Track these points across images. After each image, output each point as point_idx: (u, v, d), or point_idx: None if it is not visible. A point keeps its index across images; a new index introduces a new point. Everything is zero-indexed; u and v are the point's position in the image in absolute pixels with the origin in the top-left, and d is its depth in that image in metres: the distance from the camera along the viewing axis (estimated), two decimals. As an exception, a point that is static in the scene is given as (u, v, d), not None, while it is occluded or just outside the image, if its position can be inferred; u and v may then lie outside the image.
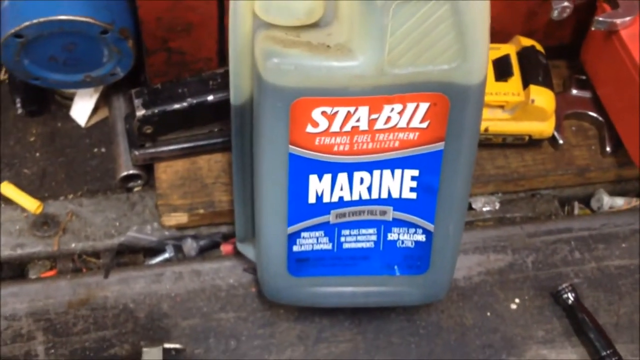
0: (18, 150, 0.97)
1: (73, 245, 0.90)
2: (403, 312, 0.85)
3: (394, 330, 0.84)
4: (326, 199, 0.74)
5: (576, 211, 0.98)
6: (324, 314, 0.84)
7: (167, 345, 0.77)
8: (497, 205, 0.96)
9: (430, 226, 0.76)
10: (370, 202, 0.75)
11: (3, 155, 0.96)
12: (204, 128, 0.92)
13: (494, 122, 0.93)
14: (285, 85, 0.66)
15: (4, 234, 0.90)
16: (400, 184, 0.74)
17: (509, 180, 0.96)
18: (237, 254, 0.89)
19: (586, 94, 1.00)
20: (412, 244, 0.77)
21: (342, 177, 0.73)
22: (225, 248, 0.91)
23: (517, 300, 0.87)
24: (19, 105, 0.98)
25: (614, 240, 0.92)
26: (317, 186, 0.73)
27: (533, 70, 0.92)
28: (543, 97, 0.91)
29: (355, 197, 0.74)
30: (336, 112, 0.68)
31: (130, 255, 0.92)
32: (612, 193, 0.98)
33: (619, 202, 0.98)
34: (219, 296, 0.86)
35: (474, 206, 0.96)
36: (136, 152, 0.91)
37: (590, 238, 0.92)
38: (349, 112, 0.68)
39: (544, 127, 0.93)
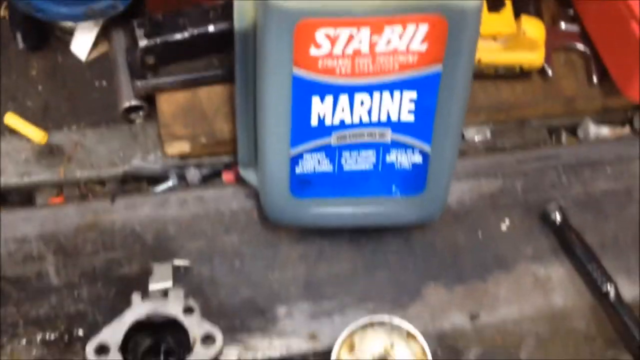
0: (20, 84, 0.98)
1: (78, 173, 0.92)
2: (399, 234, 0.88)
3: (391, 250, 0.88)
4: (328, 122, 0.77)
5: (564, 140, 1.02)
6: (324, 235, 0.87)
7: (176, 262, 0.80)
8: (489, 135, 0.99)
9: (427, 148, 0.79)
10: (370, 124, 0.78)
11: (6, 89, 0.97)
12: (204, 60, 0.94)
13: (487, 53, 0.96)
14: (290, 6, 0.68)
15: (10, 162, 0.92)
16: (399, 106, 0.77)
17: (500, 110, 0.99)
18: (238, 182, 0.91)
19: (574, 28, 1.03)
20: (409, 165, 0.81)
21: (344, 99, 0.76)
22: (227, 176, 0.94)
23: (507, 221, 0.91)
24: (19, 40, 0.99)
25: (599, 165, 0.96)
26: (319, 108, 0.76)
27: (524, 1, 0.94)
28: (534, 28, 0.94)
29: (356, 120, 0.77)
30: (339, 34, 0.70)
31: (134, 183, 0.94)
32: (598, 122, 1.02)
33: (605, 130, 1.02)
34: (223, 220, 0.88)
35: (466, 136, 0.99)
36: (138, 83, 0.93)
37: (577, 164, 0.96)
38: (351, 34, 0.71)
39: (535, 58, 0.97)
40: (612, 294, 0.84)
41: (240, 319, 0.81)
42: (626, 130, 1.03)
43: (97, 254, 0.84)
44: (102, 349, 0.68)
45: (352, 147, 0.79)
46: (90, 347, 0.68)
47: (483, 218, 0.91)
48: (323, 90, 0.74)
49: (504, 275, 0.87)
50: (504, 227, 0.91)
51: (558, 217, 0.89)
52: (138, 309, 0.71)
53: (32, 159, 0.92)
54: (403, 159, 0.80)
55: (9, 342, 0.78)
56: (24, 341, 0.79)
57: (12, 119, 0.94)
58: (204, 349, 0.69)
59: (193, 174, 0.93)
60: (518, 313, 0.84)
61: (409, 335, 0.77)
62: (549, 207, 0.90)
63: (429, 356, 0.76)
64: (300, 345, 0.81)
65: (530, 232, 0.90)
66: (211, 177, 0.95)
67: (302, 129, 0.77)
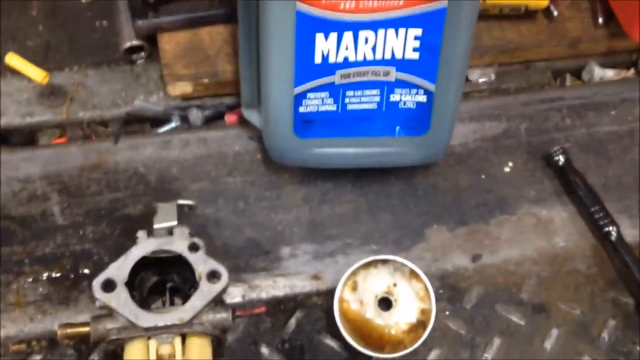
0: (21, 24, 0.97)
1: (81, 114, 0.92)
2: (402, 176, 0.88)
3: (394, 192, 0.88)
4: (332, 59, 0.76)
5: (568, 82, 1.01)
6: (327, 177, 0.87)
7: (180, 201, 0.80)
8: (493, 77, 0.99)
9: (431, 87, 0.79)
10: (374, 62, 0.77)
11: (6, 29, 0.96)
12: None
13: (492, -8, 0.94)
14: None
15: (12, 103, 0.91)
16: (403, 43, 0.76)
17: (504, 51, 0.98)
18: (241, 123, 0.91)
19: (581, -32, 1.01)
20: (413, 105, 0.80)
21: (348, 36, 0.75)
22: (230, 118, 0.93)
23: (510, 164, 0.91)
24: (18, -21, 0.98)
25: (603, 108, 0.95)
26: (323, 46, 0.75)
27: (531, -61, 0.93)
28: (540, -34, 0.93)
29: (360, 58, 0.77)
30: (343, -32, 0.69)
31: (137, 124, 0.94)
32: (603, 65, 1.01)
33: (609, 73, 1.01)
34: (226, 162, 0.88)
35: (470, 78, 0.98)
36: (139, 22, 0.92)
37: (581, 106, 0.95)
38: (355, -32, 0.69)
39: (540, -3, 0.95)
40: (614, 235, 0.84)
41: (244, 259, 0.82)
42: (631, 73, 1.02)
43: (102, 194, 0.85)
44: (108, 285, 0.69)
45: (355, 86, 0.79)
46: (96, 283, 0.69)
47: (486, 160, 0.91)
48: (327, 26, 0.74)
49: (507, 217, 0.87)
50: (507, 169, 0.91)
51: (561, 159, 0.89)
52: (144, 246, 0.71)
53: (33, 100, 0.92)
54: (407, 98, 0.80)
55: (14, 281, 0.79)
56: (30, 279, 0.79)
57: (13, 59, 0.93)
58: (209, 285, 0.69)
59: (195, 115, 0.93)
60: (520, 254, 0.85)
61: (412, 274, 0.78)
62: (552, 150, 0.90)
63: (432, 294, 0.76)
64: (304, 284, 0.81)
65: (533, 174, 0.90)
66: (214, 119, 0.95)
67: (306, 67, 0.76)
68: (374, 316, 0.78)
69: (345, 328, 0.75)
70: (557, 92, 0.97)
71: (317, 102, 0.79)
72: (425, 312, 0.77)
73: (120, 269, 0.70)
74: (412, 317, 0.77)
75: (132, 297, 0.70)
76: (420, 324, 0.77)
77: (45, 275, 0.80)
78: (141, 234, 0.73)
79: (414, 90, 0.79)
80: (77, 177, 0.86)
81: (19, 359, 0.76)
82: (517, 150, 0.92)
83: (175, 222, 0.76)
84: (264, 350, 0.78)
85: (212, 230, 0.83)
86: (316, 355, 0.78)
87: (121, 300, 0.68)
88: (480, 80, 0.98)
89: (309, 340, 0.79)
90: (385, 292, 0.78)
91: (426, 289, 0.77)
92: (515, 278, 0.83)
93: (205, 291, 0.69)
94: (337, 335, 0.76)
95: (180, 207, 0.80)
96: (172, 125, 0.93)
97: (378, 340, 0.77)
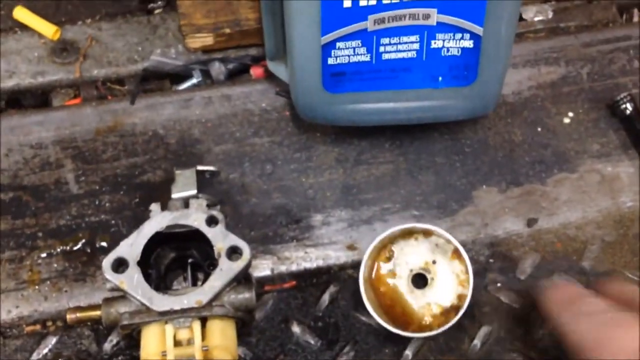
0: (29, -25, 0.90)
1: (95, 71, 0.85)
2: (447, 131, 0.81)
3: (438, 150, 0.80)
4: (363, 2, 0.67)
5: (635, 18, 0.91)
6: (362, 135, 0.80)
7: (200, 167, 0.74)
8: (550, 14, 0.89)
9: (479, 30, 0.69)
10: (412, 4, 0.68)
11: (13, -19, 0.90)
12: (225, -61, 0.84)
13: None
14: None
15: (23, 61, 0.85)
16: (445, -20, 0.66)
17: (563, -15, 0.87)
18: (268, 77, 0.84)
19: None
20: (458, 51, 0.71)
21: (381, -24, 0.65)
22: (255, 71, 0.86)
23: (570, 114, 0.82)
24: None
25: (678, 47, 0.84)
26: (353, -13, 0.66)
27: None
28: None
29: None
30: None
31: (156, 81, 0.87)
32: (678, -3, 0.89)
33: (685, 7, 0.89)
34: (252, 121, 0.81)
35: (524, 16, 0.89)
36: (154, -32, 0.84)
37: (652, 46, 0.85)
38: None
39: None
40: (689, 193, 0.74)
41: (272, 229, 0.76)
42: None
43: (118, 159, 0.79)
44: (119, 264, 0.63)
45: (391, 32, 0.70)
46: (107, 262, 0.63)
47: (542, 111, 0.82)
48: (356, -35, 0.64)
49: (566, 176, 0.79)
50: (566, 120, 0.82)
51: (629, 108, 0.79)
52: (157, 220, 0.65)
53: (45, 57, 0.86)
54: (451, 44, 0.70)
55: (28, 256, 0.74)
56: (43, 254, 0.74)
57: (21, 13, 0.86)
58: (229, 263, 0.63)
59: (218, 69, 0.86)
60: (581, 217, 0.77)
61: (455, 254, 0.70)
62: (618, 97, 0.80)
63: (471, 278, 0.68)
64: (338, 255, 0.75)
65: (596, 125, 0.81)
66: (238, 73, 0.87)
67: (334, 12, 0.68)
68: (406, 291, 0.71)
69: (371, 299, 0.69)
70: (623, 30, 0.87)
71: (348, 53, 0.71)
72: (462, 299, 0.69)
73: (132, 246, 0.64)
74: (447, 300, 0.70)
75: (148, 276, 0.64)
76: (454, 311, 0.69)
77: (59, 249, 0.75)
78: (154, 208, 0.66)
79: (458, 35, 0.70)
80: (92, 141, 0.80)
81: (34, 341, 0.71)
82: (577, 98, 0.83)
83: (194, 191, 0.71)
84: (295, 328, 0.72)
85: (237, 197, 0.77)
86: (352, 334, 0.72)
87: (133, 282, 0.62)
88: (536, 19, 0.88)
89: (344, 317, 0.73)
90: (422, 268, 0.71)
91: (467, 271, 0.69)
92: (575, 244, 0.76)
93: (225, 270, 0.63)
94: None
95: (201, 174, 0.74)
96: (193, 81, 0.86)
97: (402, 316, 0.70)
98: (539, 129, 0.81)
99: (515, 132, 0.81)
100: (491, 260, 0.74)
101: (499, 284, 0.74)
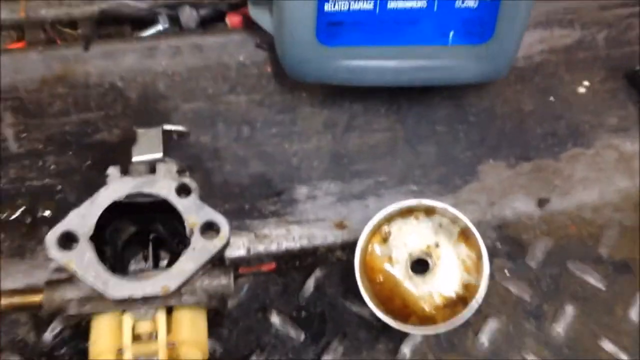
0: None
1: (43, 11, 0.75)
2: (449, 96, 0.73)
3: (439, 117, 0.72)
4: (370, -63, 0.57)
5: (656, -19, 0.82)
6: (355, 98, 0.72)
7: (167, 127, 0.63)
8: (565, -29, 0.80)
9: (501, -22, 0.60)
10: (428, -58, 0.58)
11: None
12: None
13: None
14: None
15: (-46, -5, 0.73)
16: None
17: (581, -62, 0.78)
18: (247, 26, 0.75)
19: None
20: (474, 2, 0.62)
21: None
22: (232, 19, 0.76)
23: (585, 83, 0.75)
24: None
25: (703, 14, 0.77)
26: None
27: None
28: None
29: (407, -63, 0.57)
30: None
31: (114, 26, 0.77)
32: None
33: None
34: (227, 76, 0.72)
35: (535, -28, 0.79)
36: None
37: (675, 10, 0.78)
38: None
39: None
40: None
41: (250, 201, 0.67)
42: None
43: (68, 114, 0.69)
44: (67, 239, 0.52)
45: (399, -23, 0.60)
46: (51, 237, 0.52)
47: (555, 78, 0.75)
48: None
49: (581, 151, 0.72)
50: (581, 90, 0.74)
51: (652, 78, 0.72)
52: (116, 187, 0.54)
53: (-18, -8, 0.73)
54: (467, -5, 0.61)
55: (-43, 224, 0.63)
56: (-25, 223, 0.63)
57: (-47, -61, 0.73)
58: (204, 241, 0.52)
59: (188, 15, 0.76)
60: (597, 198, 0.70)
61: (462, 236, 0.62)
62: (638, 66, 0.73)
63: (486, 266, 0.59)
64: (325, 234, 0.67)
65: (614, 96, 0.74)
66: (211, 20, 0.78)
67: (335, -52, 0.57)
68: (404, 278, 0.62)
69: (365, 287, 0.60)
70: (643, -7, 0.80)
71: (348, -2, 0.61)
72: (470, 288, 0.61)
73: (83, 218, 0.53)
74: (452, 290, 0.62)
75: (102, 254, 0.54)
76: (461, 302, 0.61)
77: (-5, 218, 0.65)
78: (113, 172, 0.56)
79: (476, -17, 0.60)
80: (36, 92, 0.70)
81: (-40, 328, 0.60)
82: (594, 65, 0.76)
83: (160, 154, 0.60)
84: (275, 319, 0.63)
85: (208, 164, 0.69)
86: (341, 326, 0.63)
87: (84, 261, 0.52)
88: (549, -24, 0.79)
89: (331, 306, 0.64)
90: (423, 251, 0.63)
91: (477, 258, 0.60)
92: (591, 228, 0.69)
93: (199, 250, 0.53)
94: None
95: (168, 134, 0.64)
96: (159, 27, 0.78)
97: (401, 307, 0.61)
98: (552, 99, 0.74)
99: (525, 100, 0.73)
100: (498, 245, 0.66)
101: (507, 272, 0.66)
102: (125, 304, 0.51)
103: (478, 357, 0.62)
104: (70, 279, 0.52)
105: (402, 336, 0.62)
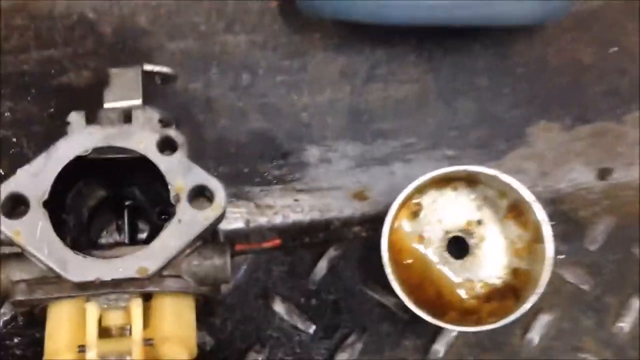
0: None
1: None
2: (492, 44, 0.65)
3: (480, 68, 0.65)
4: None
5: None
6: (378, 42, 0.64)
7: (148, 67, 0.53)
8: None
9: None
10: None
11: None
12: None
13: None
14: None
15: None
16: None
17: None
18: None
19: None
20: None
21: None
22: (231, -56, 0.66)
23: (654, 37, 0.68)
24: None
25: None
26: None
27: None
28: None
29: None
30: None
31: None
32: None
33: None
34: (223, 10, 0.64)
35: None
36: None
37: None
38: None
39: None
40: None
41: (249, 164, 0.62)
42: None
43: (27, 50, 0.62)
44: (16, 203, 0.43)
45: None
46: (-5, 201, 0.41)
47: (617, 25, 0.67)
48: None
49: None
50: None
51: None
52: (78, 139, 0.45)
53: None
54: None
55: None
56: None
57: None
58: (193, 211, 0.43)
59: None
60: None
61: (514, 210, 0.55)
62: None
63: (549, 249, 0.51)
64: (341, 206, 0.61)
65: None
66: None
67: None
68: (438, 262, 0.56)
69: (393, 271, 0.52)
70: None
71: None
72: (520, 275, 0.55)
73: (36, 177, 0.44)
74: (496, 277, 0.55)
75: (62, 224, 0.44)
76: (510, 292, 0.54)
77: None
78: (75, 118, 0.47)
79: None
80: None
81: None
82: None
83: (139, 100, 0.51)
84: (278, 307, 0.58)
85: (199, 116, 0.62)
86: (359, 318, 0.58)
87: (36, 233, 0.42)
88: None
89: (347, 293, 0.59)
90: (463, 229, 0.56)
91: (532, 239, 0.53)
92: None
93: (186, 221, 0.44)
94: (389, 285, 0.55)
95: (149, 77, 0.55)
96: None
97: (434, 297, 0.55)
98: (614, 50, 0.65)
99: (582, 50, 0.66)
100: (551, 223, 0.57)
101: (561, 256, 0.60)
102: (89, 289, 0.43)
103: (526, 357, 0.56)
104: (19, 254, 0.43)
105: (435, 331, 0.56)
